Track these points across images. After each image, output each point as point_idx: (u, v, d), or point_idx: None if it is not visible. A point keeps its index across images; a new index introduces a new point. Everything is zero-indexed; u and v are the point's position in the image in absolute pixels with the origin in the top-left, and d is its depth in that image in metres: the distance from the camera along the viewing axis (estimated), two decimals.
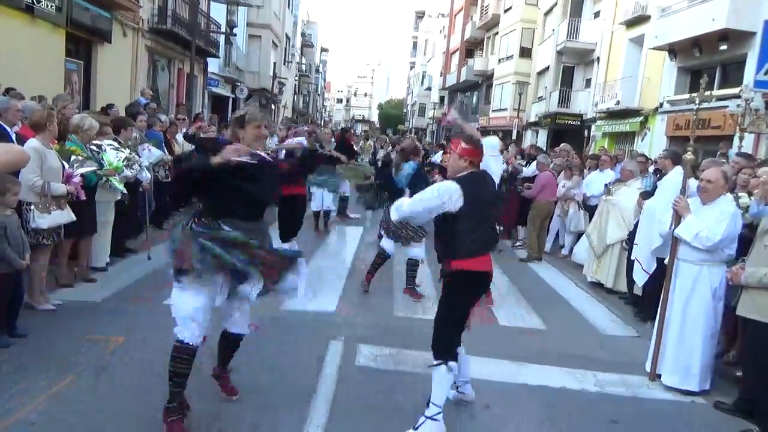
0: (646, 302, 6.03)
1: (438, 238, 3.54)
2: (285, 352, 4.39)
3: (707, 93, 4.95)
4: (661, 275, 4.99)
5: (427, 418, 3.34)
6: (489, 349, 4.71)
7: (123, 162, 5.69)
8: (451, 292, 3.47)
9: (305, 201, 7.42)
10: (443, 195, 3.31)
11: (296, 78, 46.75)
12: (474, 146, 3.47)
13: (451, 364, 3.38)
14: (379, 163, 16.12)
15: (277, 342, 4.55)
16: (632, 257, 6.03)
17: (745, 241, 4.29)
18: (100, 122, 5.94)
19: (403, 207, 3.48)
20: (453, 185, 3.33)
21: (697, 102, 4.79)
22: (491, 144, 3.66)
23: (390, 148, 17.65)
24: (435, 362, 3.41)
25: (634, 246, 5.94)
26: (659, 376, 4.50)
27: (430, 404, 3.37)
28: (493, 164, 3.65)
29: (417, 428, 3.34)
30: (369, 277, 6.25)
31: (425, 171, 6.37)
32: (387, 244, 6.24)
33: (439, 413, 3.35)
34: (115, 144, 5.90)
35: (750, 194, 4.88)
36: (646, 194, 6.42)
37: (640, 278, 5.79)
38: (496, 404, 3.87)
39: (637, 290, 6.35)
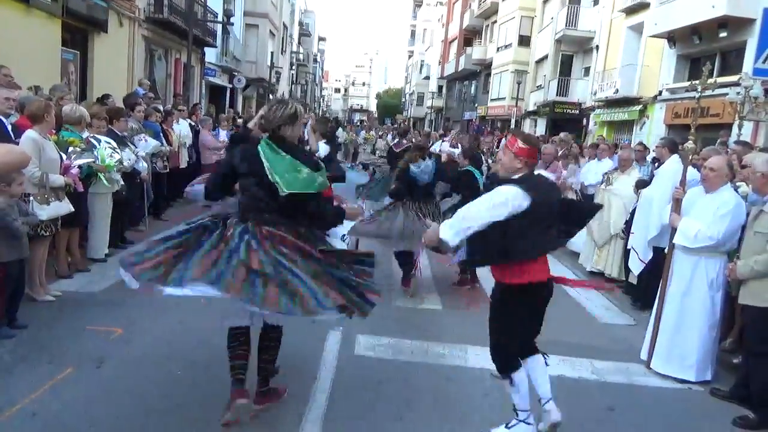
0: (642, 291, 6.06)
1: (489, 243, 3.12)
2: (284, 342, 4.37)
3: (710, 81, 4.93)
4: (658, 264, 5.01)
5: (519, 421, 3.28)
6: (487, 338, 4.72)
7: (115, 163, 5.69)
8: (511, 305, 3.25)
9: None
10: (507, 201, 2.98)
11: (294, 66, 46.48)
12: (531, 145, 3.18)
13: (515, 375, 3.25)
14: (377, 153, 16.15)
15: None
16: (629, 246, 6.05)
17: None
18: (94, 112, 5.93)
19: (460, 222, 3.03)
20: (514, 190, 3.01)
21: (699, 89, 4.78)
22: None
23: (395, 137, 17.65)
24: (499, 376, 3.37)
25: (631, 235, 5.96)
26: (650, 362, 4.53)
27: (518, 411, 3.28)
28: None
29: (510, 427, 3.30)
30: (407, 281, 6.15)
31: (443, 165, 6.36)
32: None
33: (529, 415, 3.27)
34: (114, 144, 5.89)
35: (747, 183, 4.88)
36: (642, 183, 6.42)
37: (636, 267, 5.82)
38: (495, 393, 3.89)
39: (632, 279, 6.38)
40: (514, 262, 3.12)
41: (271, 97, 32.55)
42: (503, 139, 12.50)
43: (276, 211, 3.06)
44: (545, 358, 3.42)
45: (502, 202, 2.99)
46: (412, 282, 6.12)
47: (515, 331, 3.26)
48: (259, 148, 3.05)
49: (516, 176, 3.15)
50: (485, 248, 3.15)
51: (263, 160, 3.00)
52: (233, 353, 3.19)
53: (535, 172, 3.29)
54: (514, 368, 3.26)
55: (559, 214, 3.24)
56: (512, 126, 25.21)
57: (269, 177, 2.96)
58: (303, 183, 2.99)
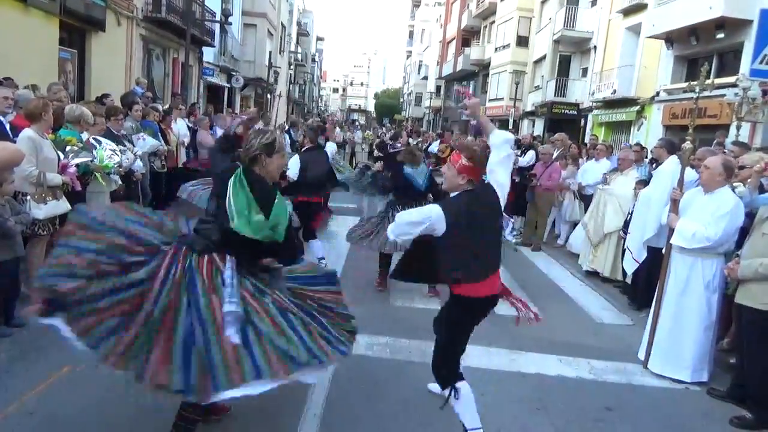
0: (639, 291, 6.07)
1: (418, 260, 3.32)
2: None
3: (708, 81, 4.95)
4: (655, 264, 5.02)
5: None
6: (484, 338, 4.73)
7: (114, 164, 5.68)
8: (450, 317, 3.25)
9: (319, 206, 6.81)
10: (424, 219, 3.03)
11: (292, 66, 46.45)
12: (475, 164, 3.11)
13: (460, 386, 3.21)
14: (375, 152, 16.17)
15: None
16: (625, 246, 6.07)
17: (745, 232, 4.24)
18: (93, 113, 5.92)
19: (393, 227, 3.19)
20: (436, 210, 3.04)
21: (697, 90, 4.80)
22: (502, 141, 3.23)
23: (387, 137, 17.68)
24: (445, 394, 3.24)
25: (627, 235, 5.97)
26: (647, 362, 4.55)
27: (469, 431, 3.24)
28: (501, 173, 3.22)
29: None
30: (380, 280, 6.19)
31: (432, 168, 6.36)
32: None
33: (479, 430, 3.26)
34: (114, 146, 5.89)
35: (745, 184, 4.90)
36: (643, 183, 6.45)
37: (630, 267, 5.83)
38: (492, 392, 3.90)
39: (629, 279, 6.40)
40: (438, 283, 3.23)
41: (269, 97, 32.53)
42: None
43: (229, 246, 2.78)
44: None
45: (417, 221, 3.05)
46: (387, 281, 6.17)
47: (463, 342, 3.29)
48: (232, 178, 2.77)
49: (455, 193, 3.15)
50: (418, 265, 3.32)
51: (229, 189, 2.74)
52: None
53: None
54: (459, 379, 3.21)
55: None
56: (510, 126, 25.20)
57: (227, 208, 2.71)
58: (251, 228, 2.68)
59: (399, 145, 9.84)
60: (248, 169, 2.85)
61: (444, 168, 3.28)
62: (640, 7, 18.35)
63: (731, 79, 11.80)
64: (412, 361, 4.32)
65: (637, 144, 9.65)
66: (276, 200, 2.77)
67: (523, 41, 29.52)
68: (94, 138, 5.66)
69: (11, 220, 4.08)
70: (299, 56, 50.17)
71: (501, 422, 3.55)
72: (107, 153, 5.64)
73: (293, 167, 6.18)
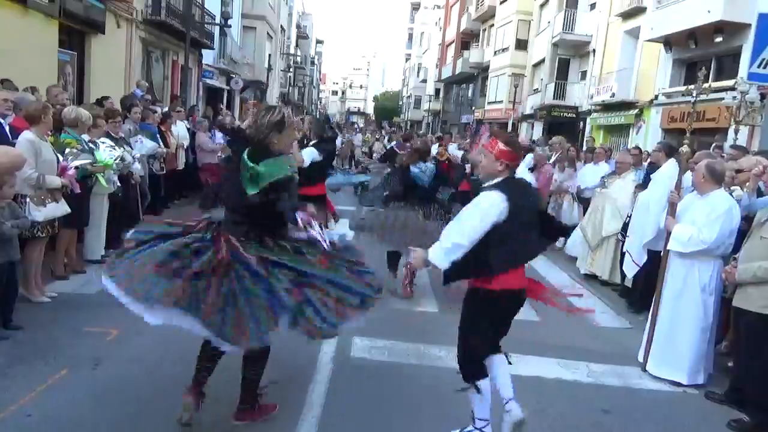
0: (638, 294, 6.08)
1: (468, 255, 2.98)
2: (281, 345, 4.39)
3: (705, 85, 4.97)
4: (653, 267, 5.03)
5: (476, 429, 3.21)
6: None
7: (115, 160, 5.67)
8: (479, 312, 3.15)
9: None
10: (491, 210, 2.91)
11: (291, 69, 46.44)
12: (513, 148, 3.09)
13: (481, 383, 3.15)
14: (374, 155, 16.15)
15: (273, 335, 4.55)
16: (624, 249, 6.07)
17: (743, 235, 4.25)
18: (94, 115, 5.93)
19: (449, 241, 2.93)
20: (497, 197, 2.92)
21: (694, 94, 4.82)
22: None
23: (386, 139, 17.67)
24: (465, 386, 3.18)
25: (627, 238, 5.98)
26: (646, 365, 4.56)
27: (476, 419, 3.20)
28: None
29: None
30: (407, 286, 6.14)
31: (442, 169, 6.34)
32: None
33: (487, 425, 3.20)
34: (110, 142, 5.88)
35: (743, 187, 4.91)
36: (642, 187, 6.45)
37: (630, 270, 5.83)
38: (491, 395, 3.90)
39: (627, 282, 6.41)
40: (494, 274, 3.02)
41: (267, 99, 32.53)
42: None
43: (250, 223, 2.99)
44: (508, 357, 3.34)
45: (489, 211, 2.91)
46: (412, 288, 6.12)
47: (484, 338, 3.20)
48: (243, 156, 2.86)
49: (496, 180, 3.08)
50: (463, 261, 2.96)
51: (241, 167, 2.84)
52: (198, 363, 3.19)
53: (517, 175, 3.23)
54: (482, 376, 3.17)
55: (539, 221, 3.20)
56: (509, 129, 25.23)
57: (243, 180, 2.82)
58: (277, 167, 2.86)
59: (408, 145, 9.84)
60: (262, 147, 2.87)
61: (475, 157, 3.22)
62: (639, 11, 18.40)
63: (730, 83, 11.85)
64: (410, 364, 4.33)
65: (636, 147, 9.66)
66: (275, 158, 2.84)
67: (522, 44, 29.58)
68: (90, 141, 5.67)
69: (7, 223, 4.07)
70: (298, 59, 50.20)
71: (500, 425, 3.55)
72: (106, 152, 5.63)
73: (307, 157, 6.14)
